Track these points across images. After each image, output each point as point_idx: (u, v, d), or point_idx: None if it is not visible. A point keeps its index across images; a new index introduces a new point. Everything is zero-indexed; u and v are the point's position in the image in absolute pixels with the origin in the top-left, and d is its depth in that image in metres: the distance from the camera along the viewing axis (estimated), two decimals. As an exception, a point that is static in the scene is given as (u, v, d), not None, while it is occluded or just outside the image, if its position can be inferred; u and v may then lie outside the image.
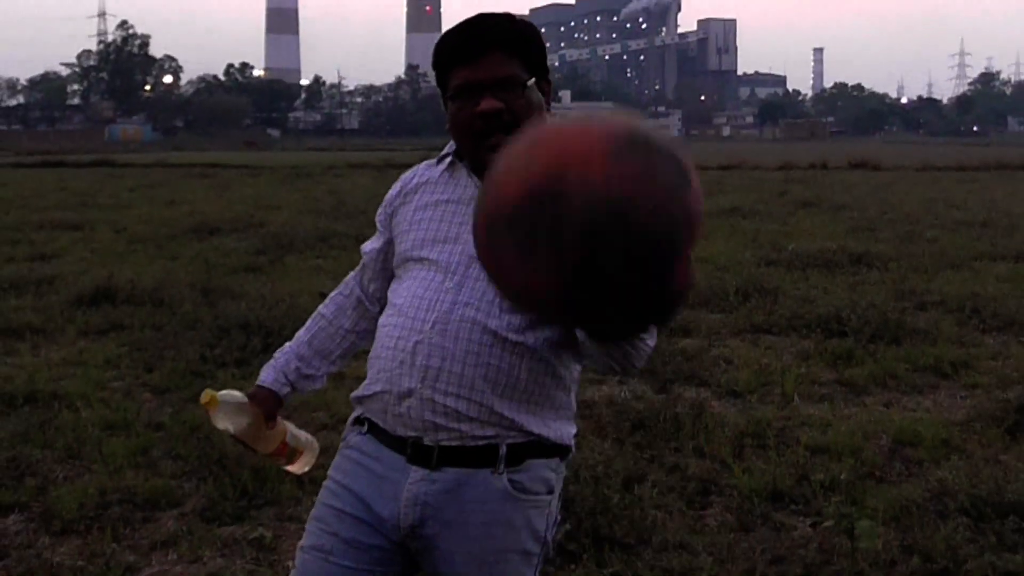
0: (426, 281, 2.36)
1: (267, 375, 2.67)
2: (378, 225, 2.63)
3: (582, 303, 1.81)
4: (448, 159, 2.49)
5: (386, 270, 2.60)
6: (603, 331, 2.03)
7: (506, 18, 2.35)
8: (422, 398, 2.28)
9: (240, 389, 2.59)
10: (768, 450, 5.72)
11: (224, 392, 2.55)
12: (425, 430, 2.30)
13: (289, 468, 2.72)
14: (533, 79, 2.36)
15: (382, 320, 2.44)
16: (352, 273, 2.72)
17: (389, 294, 2.48)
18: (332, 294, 2.73)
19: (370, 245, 2.65)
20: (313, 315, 2.73)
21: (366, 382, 2.42)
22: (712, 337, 8.64)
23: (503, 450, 2.31)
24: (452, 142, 2.47)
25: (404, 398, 2.31)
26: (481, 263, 1.96)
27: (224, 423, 2.52)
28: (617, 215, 1.72)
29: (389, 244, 2.57)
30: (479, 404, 2.28)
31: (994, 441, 5.90)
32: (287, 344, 2.72)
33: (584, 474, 5.10)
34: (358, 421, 2.48)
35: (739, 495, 5.07)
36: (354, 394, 2.48)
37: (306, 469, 2.74)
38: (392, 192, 2.59)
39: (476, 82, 2.29)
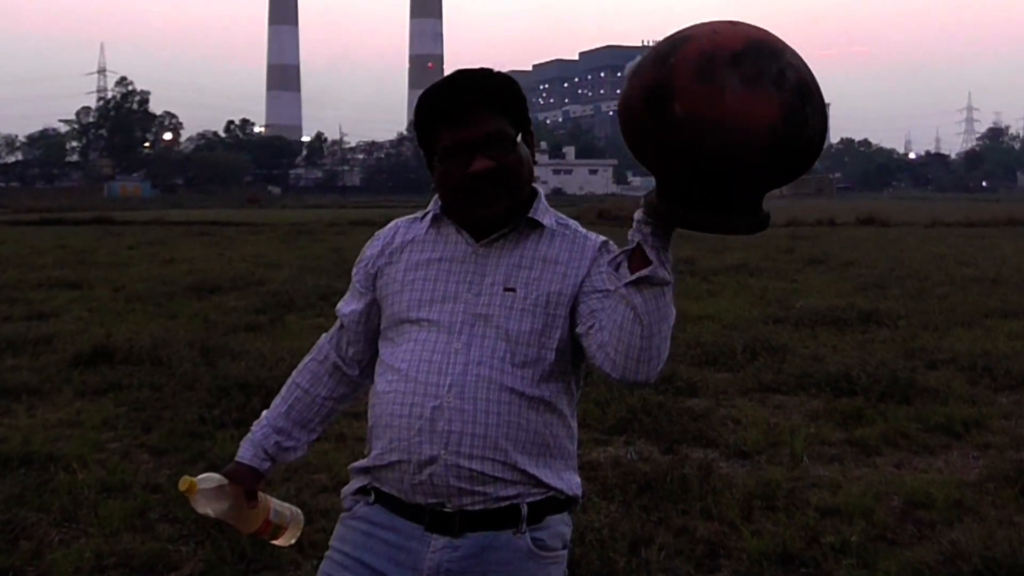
0: (430, 343, 2.35)
1: (245, 451, 2.63)
2: (356, 285, 2.59)
3: (783, 143, 1.94)
4: (431, 215, 2.49)
5: (368, 332, 2.57)
6: (751, 196, 2.07)
7: (487, 73, 2.36)
8: (447, 464, 2.28)
9: (238, 451, 2.59)
10: (777, 512, 5.69)
11: (203, 476, 2.54)
12: (449, 496, 2.30)
13: (274, 542, 2.71)
14: (520, 134, 2.37)
15: (383, 387, 2.41)
16: (325, 336, 2.67)
17: (385, 358, 2.45)
18: (305, 360, 2.68)
19: (349, 307, 2.60)
20: (287, 384, 2.68)
21: (376, 452, 2.40)
22: (719, 396, 8.62)
23: (524, 509, 2.33)
24: (435, 199, 2.47)
25: (425, 466, 2.30)
26: (691, 93, 1.91)
27: (204, 508, 2.52)
28: (815, 87, 1.98)
29: (372, 305, 2.54)
30: (503, 463, 2.30)
31: (1008, 502, 5.87)
32: (263, 415, 2.67)
33: (590, 537, 5.08)
34: (363, 491, 2.46)
35: (748, 558, 5.05)
36: (359, 464, 2.46)
37: (292, 542, 2.73)
38: (372, 250, 2.56)
39: (465, 142, 2.30)
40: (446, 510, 2.31)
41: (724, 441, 7.21)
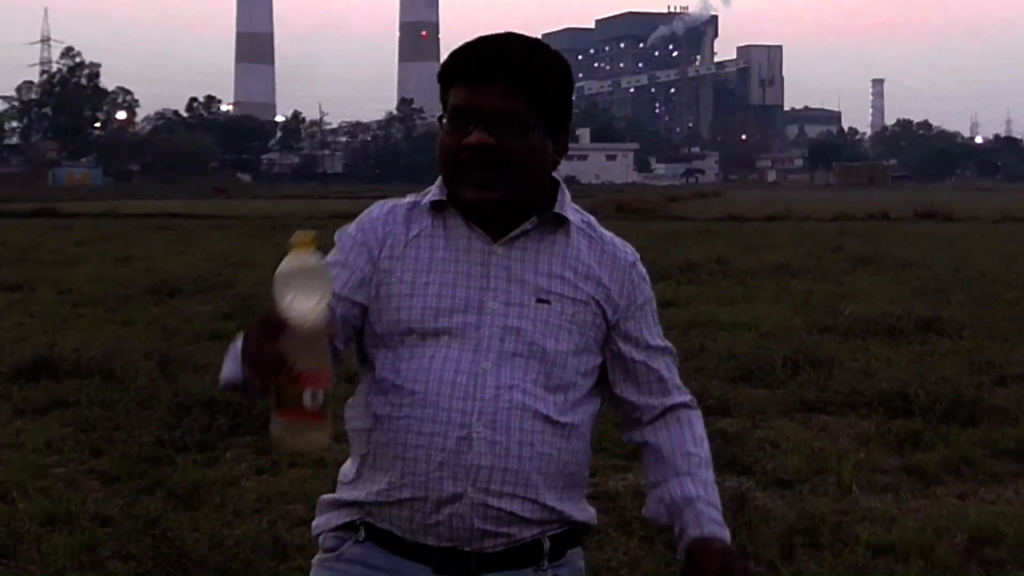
0: (454, 361, 2.31)
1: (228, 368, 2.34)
2: (347, 249, 2.42)
3: None
4: (429, 203, 2.42)
5: (346, 319, 2.37)
6: None
7: (526, 46, 2.34)
8: (472, 503, 2.26)
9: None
10: (822, 549, 5.69)
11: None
12: (469, 539, 2.28)
13: (307, 438, 2.06)
14: (541, 122, 2.33)
15: (388, 410, 2.34)
16: None
17: (387, 375, 2.36)
18: None
19: (339, 280, 2.35)
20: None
21: (379, 486, 2.33)
22: (756, 416, 8.62)
23: (547, 545, 2.35)
24: (439, 181, 2.42)
25: (445, 504, 2.26)
26: None
27: (297, 285, 2.01)
28: None
29: (363, 287, 2.39)
30: (533, 502, 2.30)
31: (1088, 539, 5.87)
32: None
33: (606, 578, 5.08)
34: (348, 527, 2.40)
35: (788, 603, 5.05)
36: (346, 497, 2.40)
37: (321, 445, 2.10)
38: (377, 228, 2.43)
39: (471, 108, 2.30)
40: (465, 550, 2.29)
41: (761, 468, 7.20)
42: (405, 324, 2.36)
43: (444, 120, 2.35)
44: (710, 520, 2.42)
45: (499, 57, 2.30)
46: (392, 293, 2.39)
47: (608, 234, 2.49)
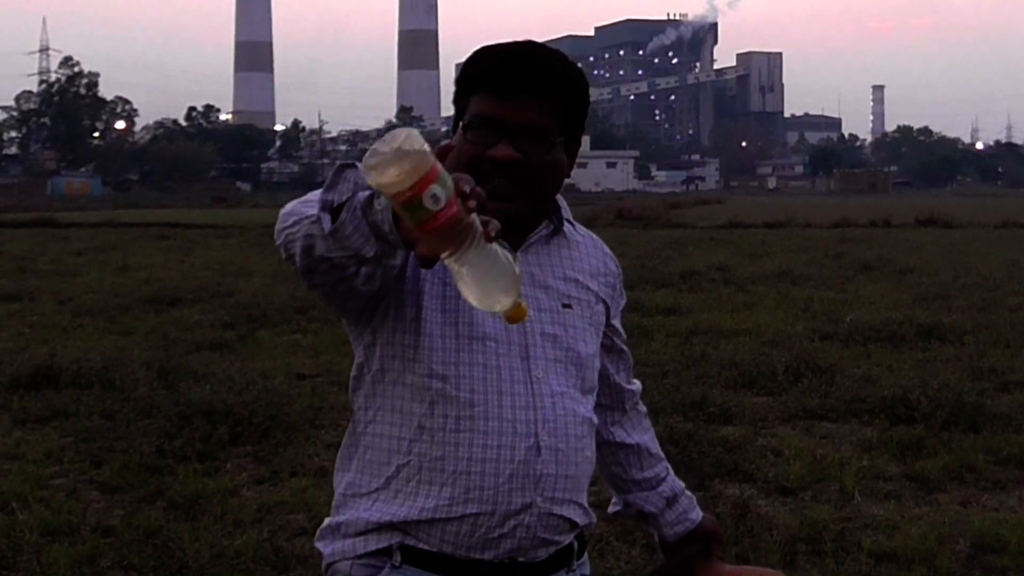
0: (507, 370, 2.28)
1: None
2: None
3: None
4: None
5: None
6: None
7: (555, 61, 2.32)
8: (539, 513, 2.26)
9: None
10: (825, 557, 5.69)
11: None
12: (530, 548, 2.28)
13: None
14: (563, 138, 2.33)
15: (444, 423, 2.24)
16: None
17: (432, 381, 2.26)
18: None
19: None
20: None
21: (436, 502, 2.24)
22: (758, 424, 8.62)
23: (576, 545, 2.41)
24: None
25: (511, 517, 2.24)
26: None
27: (502, 287, 1.87)
28: None
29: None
30: (579, 506, 2.35)
31: (1092, 546, 5.87)
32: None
33: (608, 586, 5.08)
34: (382, 552, 2.28)
35: (791, 611, 5.04)
36: (383, 517, 2.27)
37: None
38: None
39: (500, 120, 2.25)
40: (519, 560, 2.28)
41: (763, 475, 7.20)
42: (451, 326, 2.27)
43: (463, 127, 2.28)
44: (696, 503, 2.86)
45: (532, 72, 2.27)
46: (434, 293, 2.29)
47: (592, 235, 2.56)
